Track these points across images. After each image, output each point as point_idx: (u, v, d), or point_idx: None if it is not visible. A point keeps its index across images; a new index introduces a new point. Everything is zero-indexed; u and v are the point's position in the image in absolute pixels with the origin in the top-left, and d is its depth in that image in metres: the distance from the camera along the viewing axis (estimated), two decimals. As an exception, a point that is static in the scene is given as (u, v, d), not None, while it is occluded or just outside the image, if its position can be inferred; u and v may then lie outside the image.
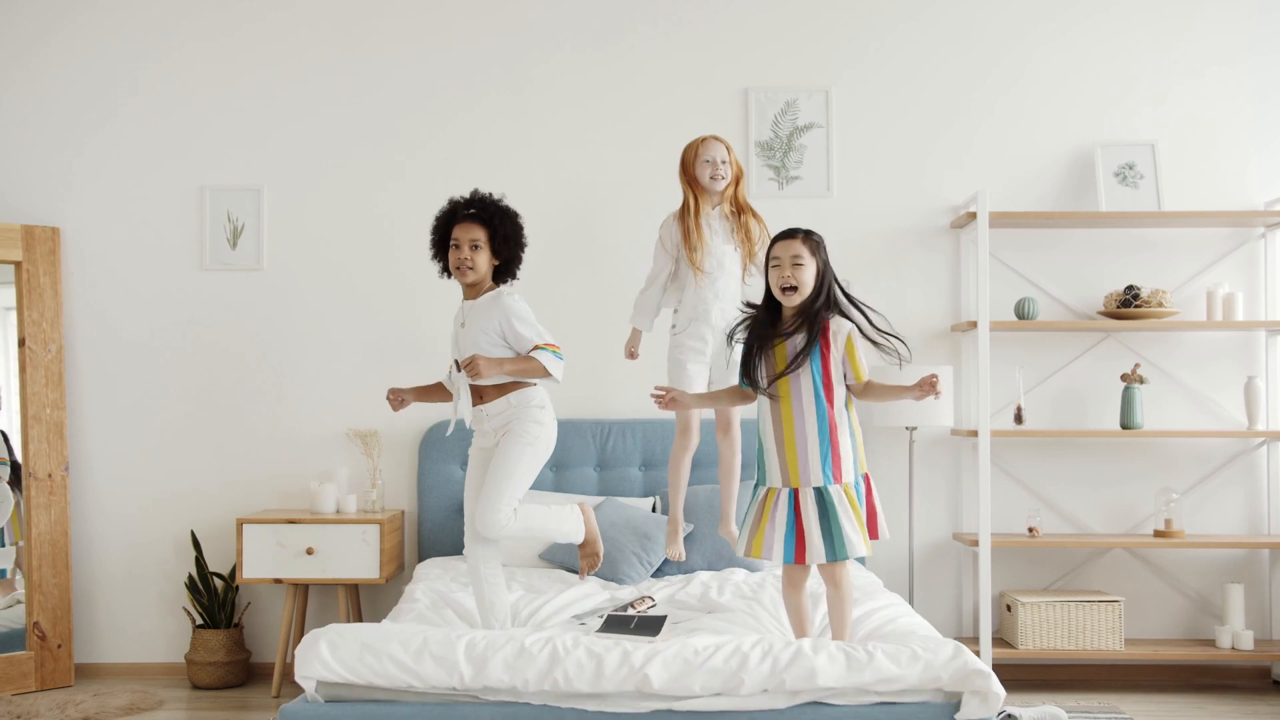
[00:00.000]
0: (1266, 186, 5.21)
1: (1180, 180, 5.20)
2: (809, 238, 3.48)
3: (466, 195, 3.91)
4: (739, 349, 3.67)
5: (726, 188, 4.07)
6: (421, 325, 5.20)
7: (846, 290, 3.55)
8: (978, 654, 4.82)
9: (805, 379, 3.43)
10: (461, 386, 3.82)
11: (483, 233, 3.81)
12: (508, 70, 5.25)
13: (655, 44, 5.26)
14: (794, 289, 3.44)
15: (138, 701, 4.69)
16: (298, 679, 3.21)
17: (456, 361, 3.88)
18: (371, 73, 5.26)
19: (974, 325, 4.97)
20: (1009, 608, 5.00)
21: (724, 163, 4.04)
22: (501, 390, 3.80)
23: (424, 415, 5.18)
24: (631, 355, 4.24)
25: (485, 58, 5.26)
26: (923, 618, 3.94)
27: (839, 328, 3.47)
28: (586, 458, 5.09)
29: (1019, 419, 5.05)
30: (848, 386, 3.51)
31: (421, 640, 3.22)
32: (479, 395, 3.82)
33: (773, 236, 3.58)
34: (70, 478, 5.14)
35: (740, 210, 4.09)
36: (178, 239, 5.25)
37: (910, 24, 5.26)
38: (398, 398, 4.03)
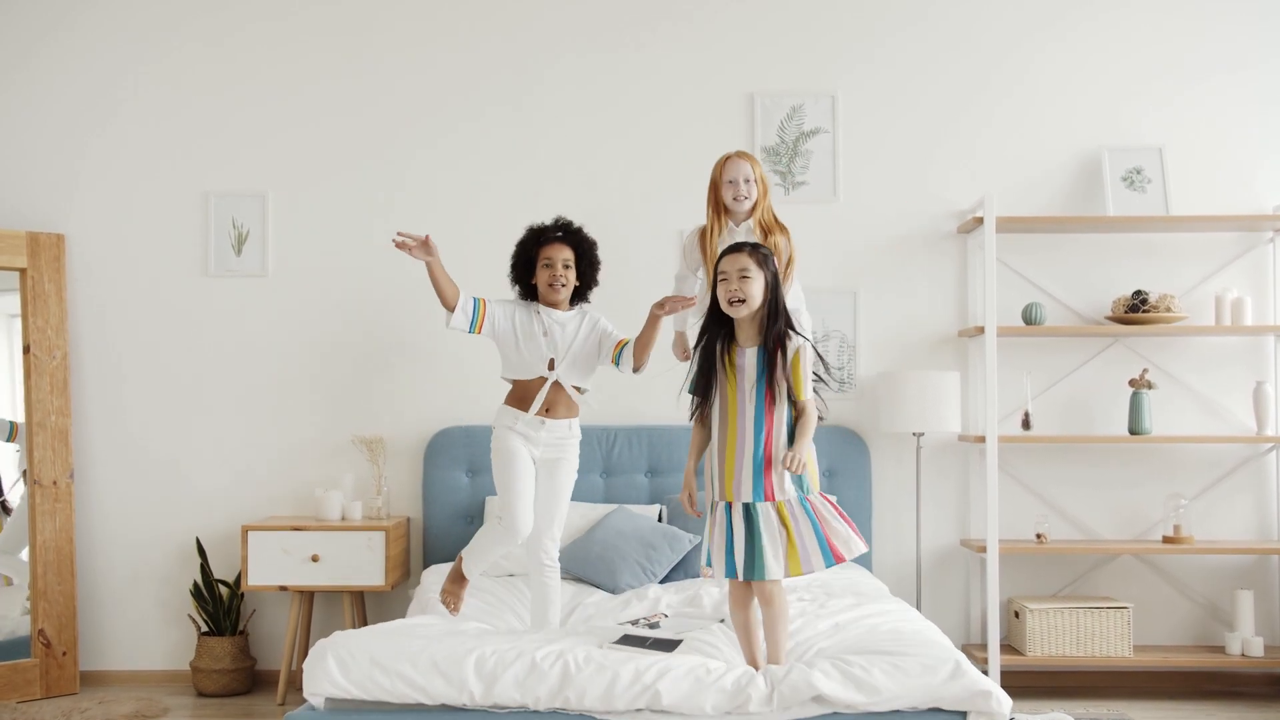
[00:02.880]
0: (1275, 191, 5.19)
1: (1188, 184, 5.18)
2: (756, 251, 3.50)
3: (549, 222, 4.14)
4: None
5: (753, 207, 4.19)
6: (426, 332, 5.19)
7: (794, 317, 3.58)
8: (985, 661, 4.81)
9: (749, 392, 3.44)
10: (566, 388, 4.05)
11: (572, 254, 4.11)
12: (512, 76, 5.25)
13: (660, 50, 5.25)
14: (741, 302, 3.44)
15: (143, 709, 4.68)
16: (306, 695, 3.21)
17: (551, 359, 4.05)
18: (376, 79, 5.26)
19: (981, 331, 4.95)
20: (1017, 614, 4.98)
21: (747, 182, 4.17)
22: (571, 410, 4.07)
23: (429, 422, 5.17)
24: (684, 357, 4.39)
25: (489, 64, 5.25)
26: (929, 622, 3.91)
27: (790, 343, 3.46)
28: (592, 464, 5.08)
29: (1027, 425, 5.03)
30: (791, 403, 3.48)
31: (430, 656, 3.21)
32: (545, 409, 4.03)
33: (721, 250, 3.59)
34: (75, 485, 5.13)
35: (767, 230, 4.20)
36: (182, 245, 5.25)
37: (916, 28, 5.25)
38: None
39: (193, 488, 5.21)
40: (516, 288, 4.18)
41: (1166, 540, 4.96)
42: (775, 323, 3.48)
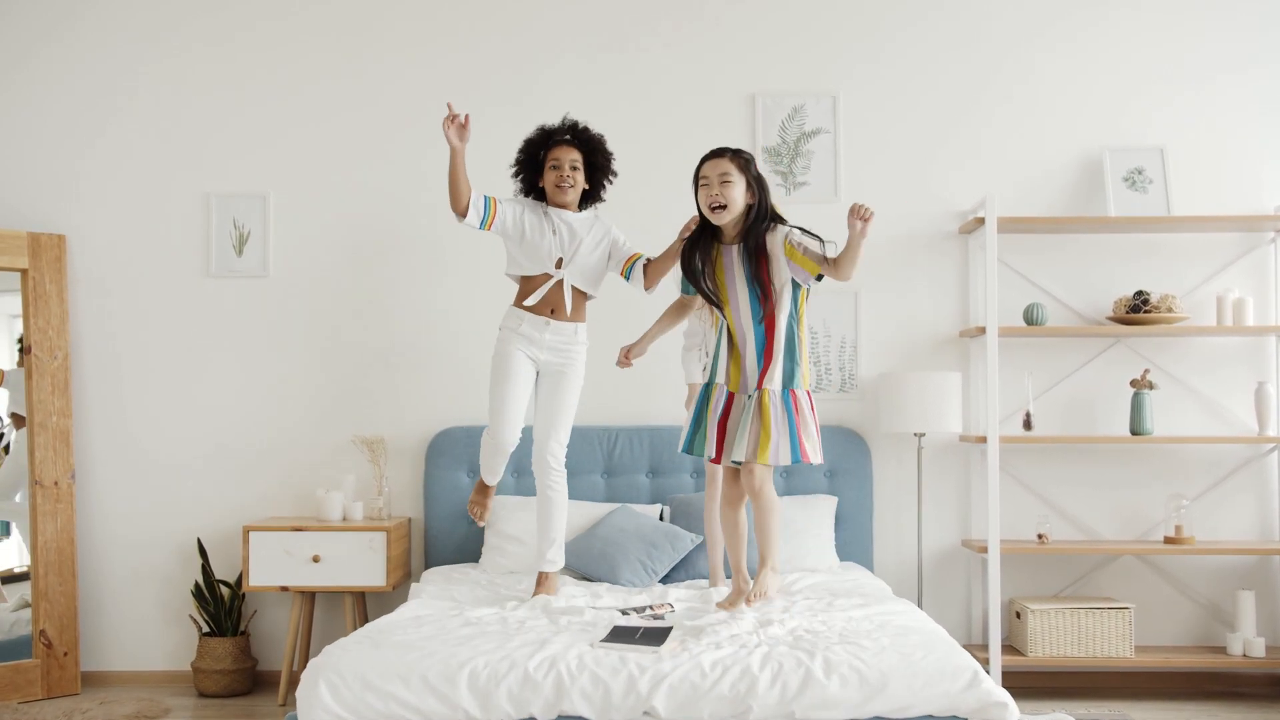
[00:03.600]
0: (1276, 191, 5.19)
1: (1189, 185, 5.18)
2: (738, 155, 3.50)
3: (558, 123, 4.18)
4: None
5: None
6: (428, 332, 5.20)
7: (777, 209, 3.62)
8: (986, 661, 4.80)
9: (743, 292, 3.45)
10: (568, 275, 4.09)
11: (579, 156, 4.13)
12: (512, 77, 5.25)
13: (660, 50, 5.25)
14: (723, 207, 3.45)
15: (144, 709, 4.68)
16: None
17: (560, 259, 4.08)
18: (377, 80, 5.26)
19: (983, 331, 4.95)
20: (1018, 615, 4.98)
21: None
22: (577, 314, 4.09)
23: (430, 422, 5.17)
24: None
25: (490, 64, 5.25)
26: (938, 625, 3.90)
27: (773, 238, 3.47)
28: (594, 464, 5.08)
29: (1028, 425, 5.03)
30: (819, 277, 3.53)
31: (422, 674, 3.18)
32: (550, 310, 4.06)
33: (701, 158, 3.60)
34: (76, 485, 5.13)
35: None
36: (183, 246, 5.25)
37: (917, 28, 5.25)
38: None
39: (194, 488, 5.21)
40: (521, 188, 4.19)
41: (1168, 541, 4.96)
42: (758, 223, 3.48)
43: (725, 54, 5.25)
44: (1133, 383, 5.01)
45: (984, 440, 4.94)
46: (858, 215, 3.45)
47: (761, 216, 3.53)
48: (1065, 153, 5.23)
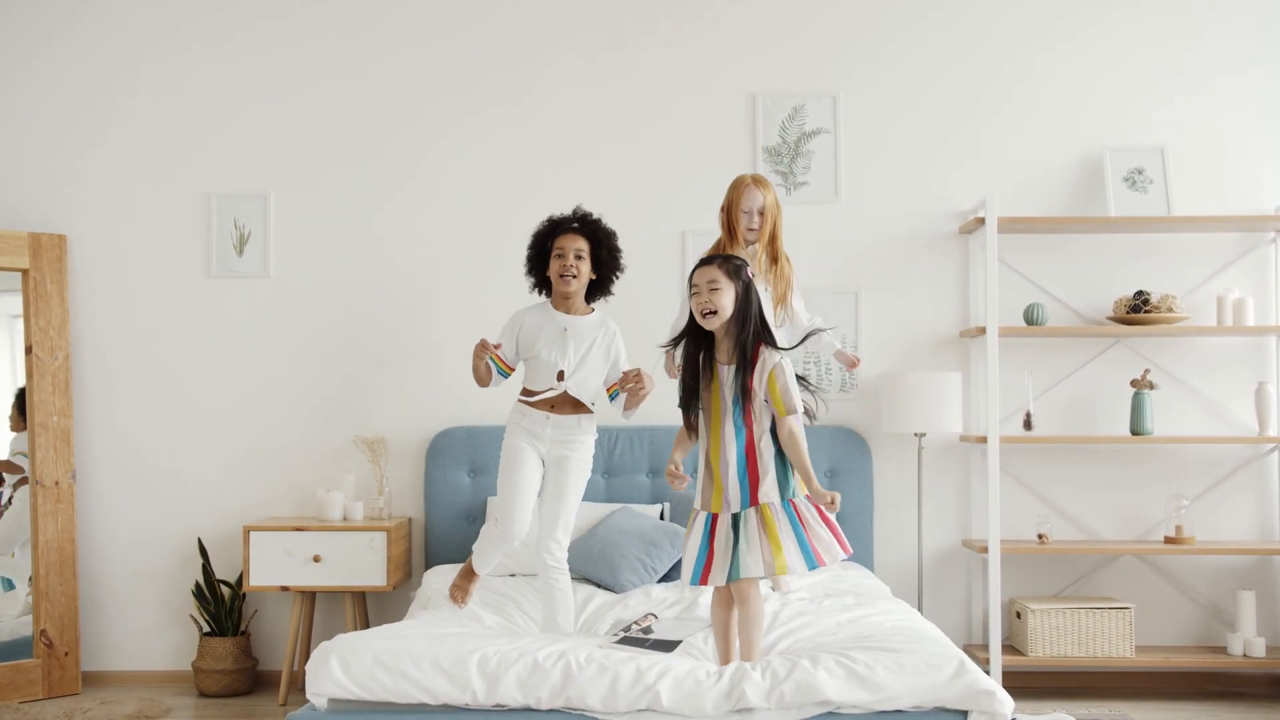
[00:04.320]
0: (1276, 191, 5.19)
1: (1189, 185, 5.18)
2: (726, 263, 3.52)
3: (568, 213, 4.13)
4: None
5: (769, 238, 4.22)
6: (428, 332, 5.20)
7: (770, 327, 3.59)
8: (987, 661, 4.81)
9: (731, 409, 3.46)
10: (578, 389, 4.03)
11: (586, 245, 4.05)
12: (512, 77, 5.25)
13: (661, 50, 5.25)
14: (713, 313, 3.47)
15: (145, 709, 4.68)
16: (309, 696, 3.22)
17: (561, 372, 4.02)
18: (377, 80, 5.26)
19: (983, 331, 4.95)
20: (1019, 615, 4.98)
21: (761, 214, 4.18)
22: (577, 408, 4.02)
23: (431, 422, 5.17)
24: (675, 374, 4.21)
25: (490, 64, 5.25)
26: (930, 623, 3.91)
27: (767, 357, 3.48)
28: (594, 464, 5.06)
29: (1028, 425, 5.03)
30: (776, 420, 3.50)
31: (433, 656, 3.22)
32: (550, 405, 4.01)
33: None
34: (77, 485, 5.13)
35: (775, 258, 4.23)
36: (184, 246, 5.25)
37: (918, 28, 5.25)
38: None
39: (194, 488, 5.21)
40: (532, 283, 4.16)
41: (1168, 541, 4.96)
42: (744, 332, 3.48)
43: (725, 54, 5.25)
44: (1133, 383, 5.01)
45: (984, 440, 4.94)
46: (826, 506, 3.44)
47: (755, 327, 3.50)
48: (1065, 153, 5.23)
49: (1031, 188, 5.22)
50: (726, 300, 3.48)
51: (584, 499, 4.95)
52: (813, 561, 3.43)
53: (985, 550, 4.89)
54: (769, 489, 3.45)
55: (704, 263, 3.56)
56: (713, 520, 3.48)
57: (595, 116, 5.24)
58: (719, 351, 3.54)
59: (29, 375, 4.99)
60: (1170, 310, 4.94)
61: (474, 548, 4.15)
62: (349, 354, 5.23)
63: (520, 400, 4.07)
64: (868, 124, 5.24)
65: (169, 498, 5.21)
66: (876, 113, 5.24)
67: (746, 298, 3.50)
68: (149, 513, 5.21)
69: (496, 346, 4.04)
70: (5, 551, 5.09)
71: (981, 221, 4.97)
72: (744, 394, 3.46)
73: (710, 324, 3.49)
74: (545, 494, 4.05)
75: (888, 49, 5.25)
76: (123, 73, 5.27)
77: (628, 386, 3.98)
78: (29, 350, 5.00)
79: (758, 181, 4.20)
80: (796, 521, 3.44)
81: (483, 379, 4.09)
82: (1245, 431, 5.12)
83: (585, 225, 4.07)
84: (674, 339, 3.71)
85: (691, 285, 3.54)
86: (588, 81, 5.24)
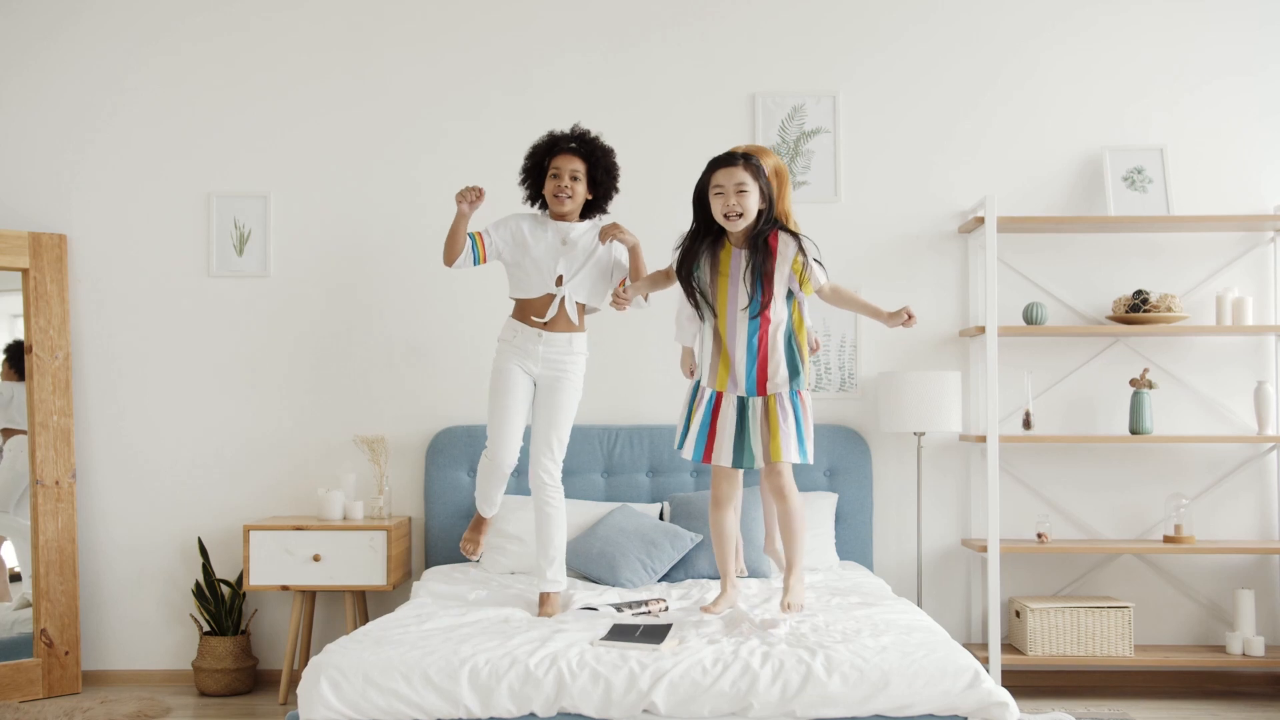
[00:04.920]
0: (1275, 190, 5.19)
1: (1189, 185, 5.18)
2: (749, 162, 3.51)
3: (567, 130, 4.08)
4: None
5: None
6: (429, 331, 5.20)
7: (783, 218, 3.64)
8: (986, 660, 4.81)
9: (741, 291, 3.47)
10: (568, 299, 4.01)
11: (582, 166, 4.01)
12: (513, 76, 5.25)
13: (661, 50, 5.25)
14: (739, 215, 3.47)
15: (145, 708, 4.68)
16: (301, 719, 3.20)
17: (560, 276, 3.99)
18: (377, 79, 5.26)
19: (982, 330, 4.95)
20: (1018, 614, 4.98)
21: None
22: (571, 325, 3.98)
23: (431, 422, 5.18)
24: (691, 374, 4.17)
25: (491, 63, 5.26)
26: (938, 624, 3.90)
27: (786, 244, 3.50)
28: (594, 464, 5.09)
29: (1028, 424, 5.03)
30: (817, 293, 3.60)
31: (423, 670, 3.19)
32: (545, 323, 3.97)
33: (710, 162, 3.59)
34: (77, 485, 5.13)
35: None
36: (184, 246, 5.25)
37: (918, 28, 5.25)
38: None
39: (194, 487, 5.21)
40: (527, 194, 4.12)
41: (1167, 540, 4.97)
42: (760, 222, 3.52)
43: (725, 54, 5.25)
44: (1132, 382, 5.01)
45: (984, 440, 4.94)
46: (902, 321, 3.59)
47: (770, 219, 3.56)
48: (1065, 152, 5.23)
49: (1031, 187, 5.22)
50: (752, 203, 3.50)
51: (583, 498, 4.98)
52: (805, 454, 3.49)
53: (985, 549, 4.89)
54: (779, 381, 3.49)
55: (725, 161, 3.54)
56: (717, 398, 3.50)
57: (595, 115, 5.19)
58: (730, 235, 3.55)
59: (29, 375, 4.99)
60: (1170, 310, 4.94)
61: (475, 494, 4.15)
62: (349, 353, 5.23)
63: (512, 317, 4.03)
64: (867, 124, 5.25)
65: (169, 497, 5.21)
66: (876, 112, 5.25)
67: (770, 198, 3.53)
68: (149, 512, 5.21)
69: (479, 195, 3.94)
70: (3, 508, 5.09)
71: (981, 221, 4.97)
72: (762, 283, 3.47)
73: (734, 226, 3.50)
74: (538, 415, 4.00)
75: (887, 49, 5.25)
76: (123, 72, 5.27)
77: (609, 237, 3.95)
78: (29, 350, 5.01)
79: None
80: (800, 413, 3.49)
81: (454, 248, 3.99)
82: (1244, 431, 5.13)
83: (582, 145, 4.03)
84: (683, 244, 3.70)
85: (714, 186, 3.52)
86: (587, 80, 5.25)
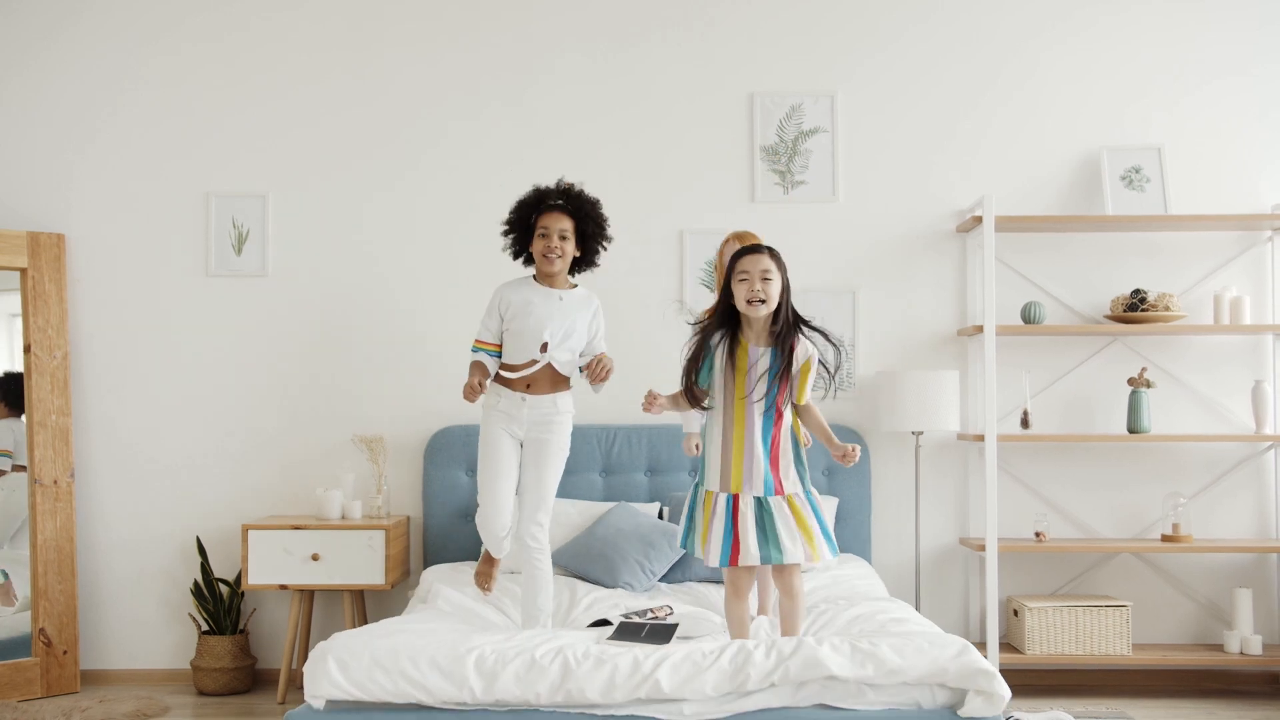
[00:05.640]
0: (1273, 190, 5.20)
1: (1187, 184, 5.18)
2: (774, 253, 3.56)
3: (552, 184, 4.02)
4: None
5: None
6: (427, 331, 5.20)
7: (800, 313, 3.63)
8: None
9: (760, 391, 3.51)
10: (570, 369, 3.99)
11: (570, 224, 3.95)
12: (512, 76, 5.25)
13: (660, 50, 5.26)
14: (762, 302, 3.50)
15: (143, 708, 4.68)
16: (307, 697, 3.21)
17: (545, 343, 3.94)
18: (376, 79, 5.26)
19: (980, 330, 4.96)
20: (1016, 613, 4.99)
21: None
22: (554, 386, 3.95)
23: (429, 421, 5.18)
24: (696, 449, 4.19)
25: (490, 64, 5.26)
26: (930, 621, 3.93)
27: (803, 351, 3.54)
28: (592, 463, 5.09)
29: (1026, 423, 5.04)
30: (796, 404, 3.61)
31: (430, 655, 3.22)
32: (526, 385, 3.94)
33: (735, 252, 3.61)
34: (76, 484, 5.13)
35: None
36: (183, 245, 5.25)
37: (916, 28, 5.25)
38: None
39: (193, 487, 5.21)
40: (512, 249, 4.04)
41: (1165, 539, 4.97)
42: (787, 323, 3.55)
43: (724, 54, 5.25)
44: (1130, 381, 5.02)
45: (982, 439, 4.94)
46: (846, 457, 3.59)
47: (794, 319, 3.59)
48: (1063, 152, 5.24)
49: (1029, 187, 5.22)
50: (775, 290, 3.53)
51: (582, 497, 4.99)
52: (834, 549, 3.57)
53: (983, 548, 4.89)
54: (793, 480, 3.52)
55: (753, 250, 3.57)
56: (734, 500, 3.51)
57: (594, 116, 5.24)
58: (747, 334, 3.56)
59: (27, 374, 4.99)
60: (1167, 309, 4.94)
61: (483, 539, 4.13)
62: (347, 353, 5.23)
63: (496, 380, 3.99)
64: (866, 123, 5.25)
65: (167, 496, 5.21)
66: (874, 112, 5.25)
67: (787, 286, 3.55)
68: (147, 511, 5.21)
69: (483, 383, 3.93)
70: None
71: (979, 220, 4.97)
72: (780, 379, 3.50)
73: (756, 312, 3.52)
74: (524, 477, 3.98)
75: (886, 49, 5.25)
76: (121, 72, 5.27)
77: (590, 373, 3.94)
78: (28, 349, 5.01)
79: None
80: (818, 511, 3.53)
81: (482, 373, 3.98)
82: (1242, 430, 5.13)
83: (570, 201, 3.96)
84: (700, 324, 3.68)
85: (738, 272, 3.54)
86: (587, 81, 5.25)
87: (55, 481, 5.02)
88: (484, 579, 4.15)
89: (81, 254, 5.23)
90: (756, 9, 5.25)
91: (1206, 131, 5.21)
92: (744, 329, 3.57)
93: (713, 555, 3.51)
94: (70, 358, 5.15)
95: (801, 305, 4.01)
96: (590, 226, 3.98)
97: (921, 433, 5.00)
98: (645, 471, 5.11)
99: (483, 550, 4.17)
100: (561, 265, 3.96)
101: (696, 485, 3.63)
